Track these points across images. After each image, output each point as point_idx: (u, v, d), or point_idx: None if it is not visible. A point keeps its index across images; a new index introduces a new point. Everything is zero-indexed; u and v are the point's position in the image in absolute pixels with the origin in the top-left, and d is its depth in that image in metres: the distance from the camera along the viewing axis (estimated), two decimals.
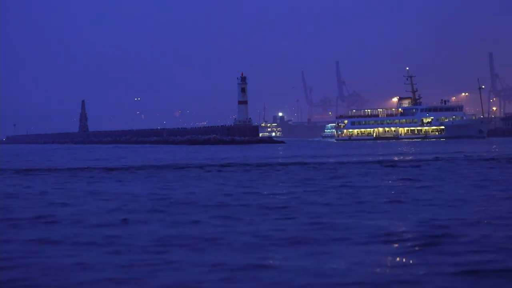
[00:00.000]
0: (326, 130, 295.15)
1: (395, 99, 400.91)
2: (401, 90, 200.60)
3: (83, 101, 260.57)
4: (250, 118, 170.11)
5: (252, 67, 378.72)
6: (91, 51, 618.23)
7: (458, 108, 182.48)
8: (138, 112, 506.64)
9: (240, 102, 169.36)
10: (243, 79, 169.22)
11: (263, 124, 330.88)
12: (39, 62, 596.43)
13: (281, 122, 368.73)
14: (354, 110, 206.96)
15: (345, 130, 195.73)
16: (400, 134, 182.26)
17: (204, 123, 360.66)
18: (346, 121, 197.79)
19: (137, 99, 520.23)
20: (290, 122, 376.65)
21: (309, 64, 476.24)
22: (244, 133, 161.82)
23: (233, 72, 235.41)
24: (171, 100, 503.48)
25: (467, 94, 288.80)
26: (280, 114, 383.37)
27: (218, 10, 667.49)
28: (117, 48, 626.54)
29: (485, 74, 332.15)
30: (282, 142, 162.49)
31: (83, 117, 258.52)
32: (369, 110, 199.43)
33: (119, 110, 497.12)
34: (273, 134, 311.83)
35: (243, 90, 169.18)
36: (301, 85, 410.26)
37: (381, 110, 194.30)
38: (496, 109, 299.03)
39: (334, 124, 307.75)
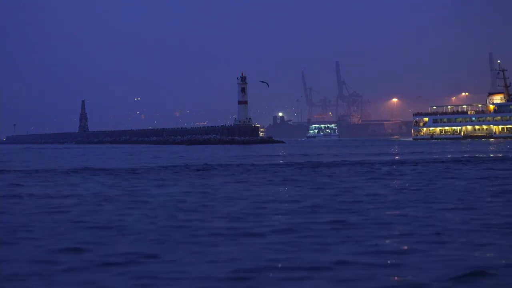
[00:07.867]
0: (310, 131, 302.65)
1: (395, 99, 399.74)
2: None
3: (83, 101, 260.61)
4: (250, 118, 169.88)
5: (252, 67, 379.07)
6: (91, 51, 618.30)
7: None
8: (138, 112, 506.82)
9: (240, 102, 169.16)
10: (243, 79, 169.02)
11: None
12: (39, 62, 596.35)
13: (281, 122, 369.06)
14: (434, 107, 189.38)
15: (424, 129, 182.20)
16: (494, 133, 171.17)
17: (204, 123, 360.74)
18: (426, 119, 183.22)
19: (137, 99, 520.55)
20: (290, 122, 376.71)
21: (309, 64, 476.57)
22: (244, 133, 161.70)
23: (233, 72, 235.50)
24: (171, 100, 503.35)
25: (467, 94, 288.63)
26: (280, 114, 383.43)
27: (218, 10, 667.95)
28: (117, 48, 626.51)
29: (485, 74, 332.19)
30: (281, 142, 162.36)
31: (83, 117, 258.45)
32: (450, 107, 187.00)
33: (119, 110, 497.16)
34: None
35: (243, 90, 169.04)
36: (301, 85, 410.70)
37: (465, 106, 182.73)
38: None
39: (317, 125, 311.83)
